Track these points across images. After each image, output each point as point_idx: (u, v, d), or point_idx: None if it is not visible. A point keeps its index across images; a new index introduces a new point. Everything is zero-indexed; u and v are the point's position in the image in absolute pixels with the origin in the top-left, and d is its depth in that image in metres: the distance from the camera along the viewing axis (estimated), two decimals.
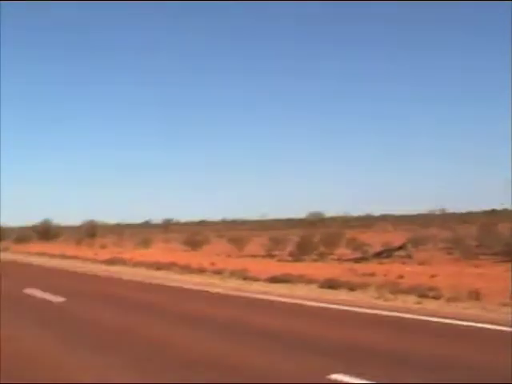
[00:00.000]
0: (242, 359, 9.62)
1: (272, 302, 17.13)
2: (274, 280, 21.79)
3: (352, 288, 18.63)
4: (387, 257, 33.74)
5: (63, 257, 43.94)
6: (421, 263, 28.37)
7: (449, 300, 15.52)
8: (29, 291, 21.06)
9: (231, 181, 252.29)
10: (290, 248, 40.96)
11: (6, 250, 60.73)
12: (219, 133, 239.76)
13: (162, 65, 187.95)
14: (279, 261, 34.54)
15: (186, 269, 28.07)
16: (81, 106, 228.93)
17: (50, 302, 18.17)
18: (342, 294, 17.80)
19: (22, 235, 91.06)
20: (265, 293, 18.98)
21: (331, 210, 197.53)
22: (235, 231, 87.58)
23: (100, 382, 8.54)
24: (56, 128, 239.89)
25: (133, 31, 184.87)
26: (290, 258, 35.79)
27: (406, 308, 14.57)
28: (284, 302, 16.85)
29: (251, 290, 20.03)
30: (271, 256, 39.75)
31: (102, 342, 11.69)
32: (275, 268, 26.33)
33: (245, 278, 23.26)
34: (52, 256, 45.70)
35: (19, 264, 40.26)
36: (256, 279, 22.66)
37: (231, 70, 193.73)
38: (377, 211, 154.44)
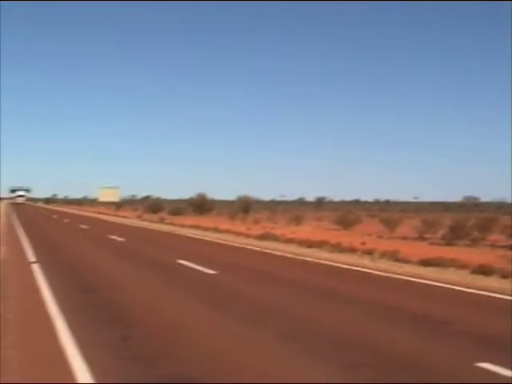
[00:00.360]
0: (390, 343, 9.64)
1: (422, 285, 16.99)
2: (425, 263, 21.51)
3: (505, 275, 18.14)
4: None
5: (216, 230, 44.76)
6: None
7: None
8: (182, 262, 21.71)
9: (386, 162, 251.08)
10: (442, 231, 40.23)
11: (161, 221, 62.58)
12: (373, 118, 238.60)
13: None
14: (431, 244, 34.02)
15: (337, 247, 28.10)
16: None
17: (203, 274, 18.70)
18: (494, 281, 17.39)
19: (177, 208, 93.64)
20: (415, 275, 18.80)
21: (486, 196, 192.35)
22: (387, 212, 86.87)
23: (247, 353, 8.81)
24: (212, 107, 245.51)
25: None
26: (441, 242, 35.16)
27: None
28: (434, 286, 16.69)
29: (401, 271, 19.88)
30: (423, 239, 39.21)
31: (250, 315, 11.97)
32: (426, 251, 26.03)
33: (395, 260, 23.09)
34: (205, 229, 46.62)
35: (174, 235, 41.49)
36: (407, 261, 22.45)
37: None
38: None
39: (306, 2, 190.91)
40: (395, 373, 7.87)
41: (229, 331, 10.38)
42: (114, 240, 34.22)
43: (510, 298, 14.37)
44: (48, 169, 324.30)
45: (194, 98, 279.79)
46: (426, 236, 40.78)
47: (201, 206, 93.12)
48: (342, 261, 23.23)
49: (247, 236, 38.58)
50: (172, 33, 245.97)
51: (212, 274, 18.51)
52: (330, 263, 22.51)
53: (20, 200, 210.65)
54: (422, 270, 20.10)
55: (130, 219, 71.67)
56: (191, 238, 38.67)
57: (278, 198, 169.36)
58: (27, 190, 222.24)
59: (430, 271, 19.87)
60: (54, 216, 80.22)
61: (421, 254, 23.15)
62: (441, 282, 17.21)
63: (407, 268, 20.89)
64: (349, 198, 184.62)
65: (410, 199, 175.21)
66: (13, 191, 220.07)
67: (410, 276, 18.71)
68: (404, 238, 38.81)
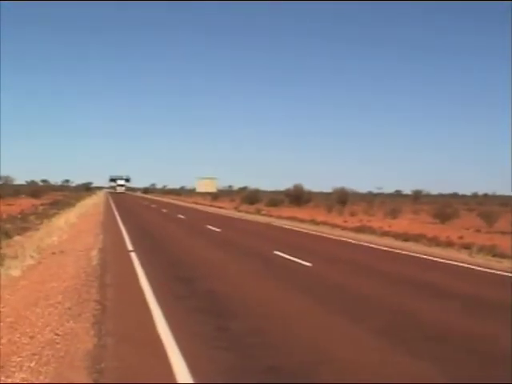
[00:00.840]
0: (488, 339, 9.50)
1: None
2: None
3: None
4: None
5: (313, 222, 44.75)
6: None
7: None
8: (279, 253, 21.76)
9: (484, 155, 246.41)
10: None
11: (258, 212, 62.83)
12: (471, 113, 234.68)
13: None
14: None
15: (434, 241, 27.77)
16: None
17: (299, 265, 18.69)
18: None
19: (274, 199, 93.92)
20: None
21: None
22: (486, 206, 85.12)
23: (344, 347, 8.80)
24: (310, 100, 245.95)
25: None
26: None
27: None
28: None
29: (500, 267, 19.51)
30: None
31: (345, 307, 11.92)
32: None
33: (494, 255, 22.66)
34: (302, 221, 46.64)
35: (270, 227, 41.60)
36: (506, 256, 22.01)
37: None
38: None
39: None
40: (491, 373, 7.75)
41: (325, 323, 10.36)
42: (211, 230, 34.57)
43: None
44: (147, 159, 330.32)
45: (289, 98, 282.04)
46: None
47: (298, 197, 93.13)
48: (439, 255, 22.94)
49: (343, 228, 38.50)
50: None
51: (308, 266, 18.50)
52: (427, 257, 22.22)
53: (120, 189, 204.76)
54: None
55: (226, 210, 72.32)
56: (288, 229, 38.76)
57: (375, 191, 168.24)
58: (127, 180, 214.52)
59: None
60: (153, 206, 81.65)
61: None
62: None
63: (506, 263, 20.47)
64: (446, 191, 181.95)
65: (509, 193, 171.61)
66: (112, 180, 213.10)
67: (509, 272, 18.34)
68: (503, 233, 37.96)
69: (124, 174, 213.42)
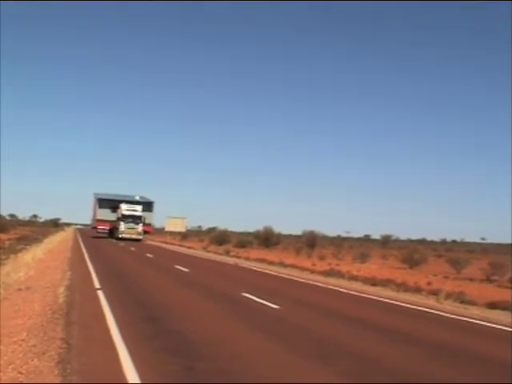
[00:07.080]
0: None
1: (489, 328, 16.70)
2: (492, 306, 21.22)
3: None
4: None
5: (281, 265, 44.69)
6: None
7: None
8: (247, 295, 21.68)
9: (452, 202, 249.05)
10: (510, 274, 39.53)
11: (226, 253, 62.68)
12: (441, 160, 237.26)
13: None
14: (499, 286, 33.45)
15: (402, 287, 27.87)
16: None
17: (266, 308, 18.64)
18: None
19: (243, 240, 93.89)
20: (482, 318, 18.55)
21: None
22: (454, 252, 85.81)
23: None
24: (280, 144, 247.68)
25: None
26: (510, 285, 34.49)
27: None
28: (502, 330, 16.37)
29: (467, 314, 19.60)
30: (490, 281, 38.62)
31: (312, 350, 11.85)
32: (493, 293, 25.59)
33: (461, 302, 22.78)
34: (270, 263, 46.57)
35: (239, 268, 41.47)
36: (473, 303, 22.13)
37: None
38: None
39: None
40: None
41: (292, 366, 10.29)
42: (180, 270, 34.39)
43: None
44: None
45: (261, 140, 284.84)
46: (493, 278, 40.14)
47: (267, 239, 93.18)
48: (407, 300, 23.01)
49: (312, 272, 38.49)
50: None
51: (275, 309, 18.44)
52: (394, 302, 22.27)
53: (129, 231, 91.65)
54: (488, 313, 19.79)
55: (195, 250, 72.10)
56: (256, 271, 38.66)
57: (344, 234, 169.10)
58: (148, 204, 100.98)
59: (496, 314, 19.55)
60: (121, 244, 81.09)
61: (488, 297, 22.80)
62: (509, 326, 16.88)
63: (473, 310, 20.57)
64: (415, 236, 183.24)
65: (477, 240, 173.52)
66: (106, 204, 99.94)
67: (476, 319, 18.43)
68: (470, 279, 38.25)
69: (136, 194, 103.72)
